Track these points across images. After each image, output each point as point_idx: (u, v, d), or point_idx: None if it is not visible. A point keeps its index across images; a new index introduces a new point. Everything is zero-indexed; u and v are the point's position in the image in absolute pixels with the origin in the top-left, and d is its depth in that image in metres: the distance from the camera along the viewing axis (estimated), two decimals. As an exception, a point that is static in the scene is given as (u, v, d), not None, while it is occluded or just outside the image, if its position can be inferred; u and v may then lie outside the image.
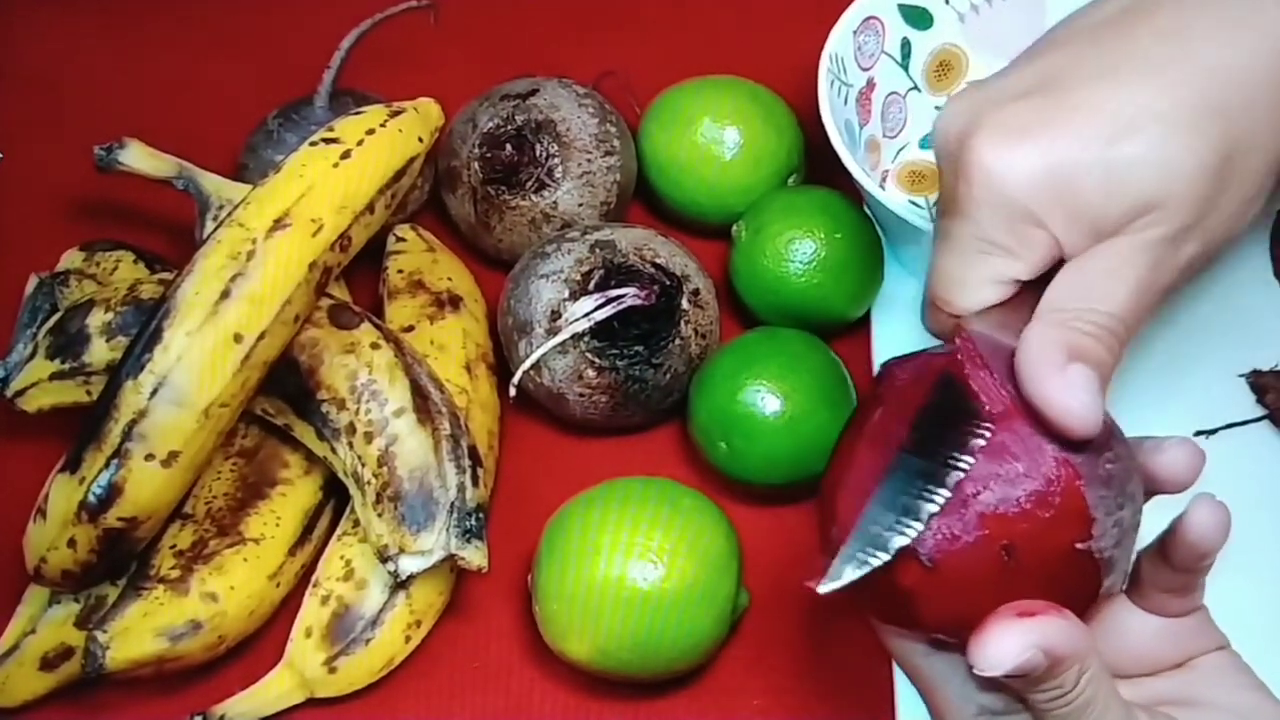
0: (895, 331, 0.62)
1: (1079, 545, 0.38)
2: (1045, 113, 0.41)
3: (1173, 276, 0.42)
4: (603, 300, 0.56)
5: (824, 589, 0.38)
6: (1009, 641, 0.37)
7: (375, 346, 0.55)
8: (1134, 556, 0.42)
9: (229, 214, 0.54)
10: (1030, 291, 0.43)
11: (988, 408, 0.38)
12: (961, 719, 0.43)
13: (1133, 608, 0.44)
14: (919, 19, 0.66)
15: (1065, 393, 0.38)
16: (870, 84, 0.65)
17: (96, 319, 0.55)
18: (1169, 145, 0.40)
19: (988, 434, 0.38)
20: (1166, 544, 0.42)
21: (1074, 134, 0.41)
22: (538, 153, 0.62)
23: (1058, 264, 0.42)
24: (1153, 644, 0.44)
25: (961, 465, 0.37)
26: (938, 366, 0.40)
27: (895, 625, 0.42)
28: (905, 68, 0.67)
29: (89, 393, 0.55)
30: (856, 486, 0.39)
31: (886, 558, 0.37)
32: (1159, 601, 0.43)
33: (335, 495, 0.57)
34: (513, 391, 0.58)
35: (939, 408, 0.39)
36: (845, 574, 0.38)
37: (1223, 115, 0.41)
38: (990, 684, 0.39)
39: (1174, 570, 0.42)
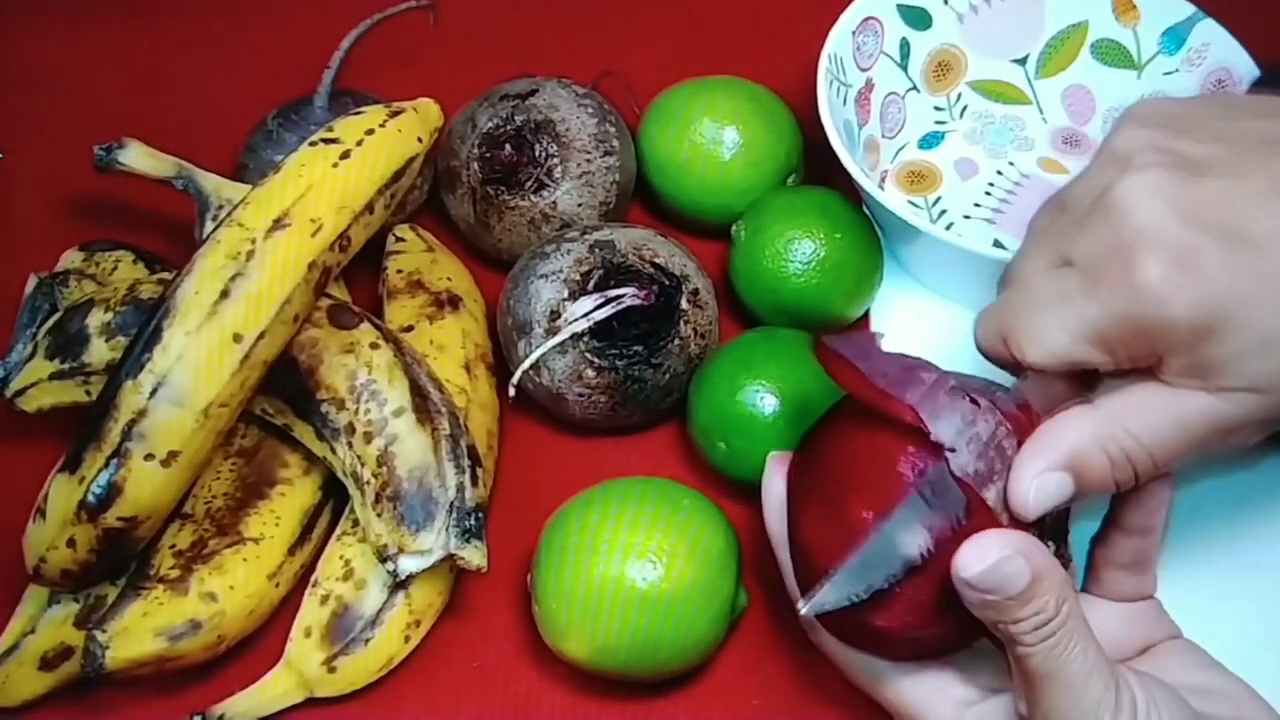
0: (894, 331, 0.62)
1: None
2: (1226, 239, 0.39)
3: (1223, 447, 0.42)
4: (602, 300, 0.56)
5: (806, 611, 0.41)
6: (988, 542, 0.39)
7: (374, 346, 0.55)
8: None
9: (228, 214, 0.54)
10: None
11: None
12: (935, 709, 0.45)
13: (1093, 600, 0.46)
14: (918, 19, 0.66)
15: (1030, 486, 0.41)
16: (869, 84, 0.65)
17: (96, 319, 0.55)
18: None
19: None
20: (1119, 509, 0.44)
21: (1250, 278, 0.39)
22: (537, 153, 0.62)
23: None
24: (1114, 631, 0.45)
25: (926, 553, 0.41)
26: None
27: (865, 651, 0.45)
28: (904, 68, 0.67)
29: (88, 393, 0.55)
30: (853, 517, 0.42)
31: (865, 597, 0.41)
32: (1114, 584, 0.46)
33: (335, 495, 0.57)
34: (512, 391, 0.58)
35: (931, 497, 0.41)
36: (829, 603, 0.41)
37: None
38: (981, 610, 0.41)
39: (1127, 534, 0.44)
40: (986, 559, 0.39)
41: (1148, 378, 0.41)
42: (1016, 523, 0.41)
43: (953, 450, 0.41)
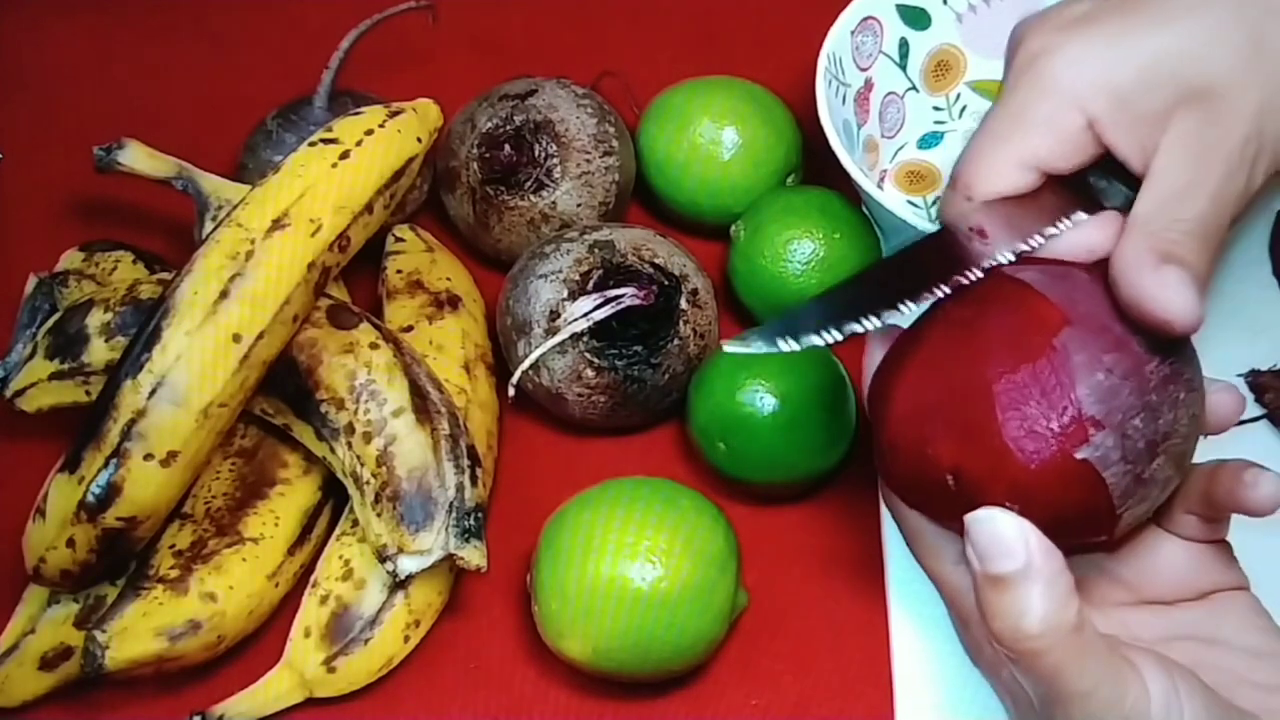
0: (894, 331, 0.62)
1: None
2: (1096, 9, 0.44)
3: (1245, 180, 0.43)
4: (601, 300, 0.56)
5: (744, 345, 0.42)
6: (999, 511, 0.39)
7: (374, 346, 0.55)
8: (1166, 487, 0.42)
9: (228, 214, 0.54)
10: (1051, 191, 0.44)
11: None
12: (982, 627, 0.44)
13: (1159, 532, 0.45)
14: (917, 19, 0.66)
15: (1163, 290, 0.40)
16: (868, 84, 0.65)
17: (95, 319, 0.55)
18: (1207, 36, 0.42)
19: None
20: (1213, 476, 0.43)
21: (1119, 25, 0.43)
22: (536, 153, 0.62)
23: (1086, 165, 0.44)
24: (1176, 570, 0.45)
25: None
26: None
27: (940, 517, 0.44)
28: (903, 68, 0.67)
29: (88, 393, 0.55)
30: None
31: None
32: (1185, 524, 0.45)
33: (334, 495, 0.57)
34: (511, 391, 0.58)
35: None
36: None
37: (1267, 13, 0.42)
38: (977, 587, 0.40)
39: (1208, 502, 0.44)
40: (990, 515, 0.38)
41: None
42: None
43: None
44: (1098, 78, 0.43)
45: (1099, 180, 0.45)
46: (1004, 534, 0.38)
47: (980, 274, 0.43)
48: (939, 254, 0.44)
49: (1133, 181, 0.43)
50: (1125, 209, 0.43)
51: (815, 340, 0.42)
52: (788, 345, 0.42)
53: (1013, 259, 0.43)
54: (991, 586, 0.38)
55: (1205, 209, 0.42)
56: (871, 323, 0.42)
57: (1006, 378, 0.40)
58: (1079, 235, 0.43)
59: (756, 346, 0.42)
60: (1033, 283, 0.42)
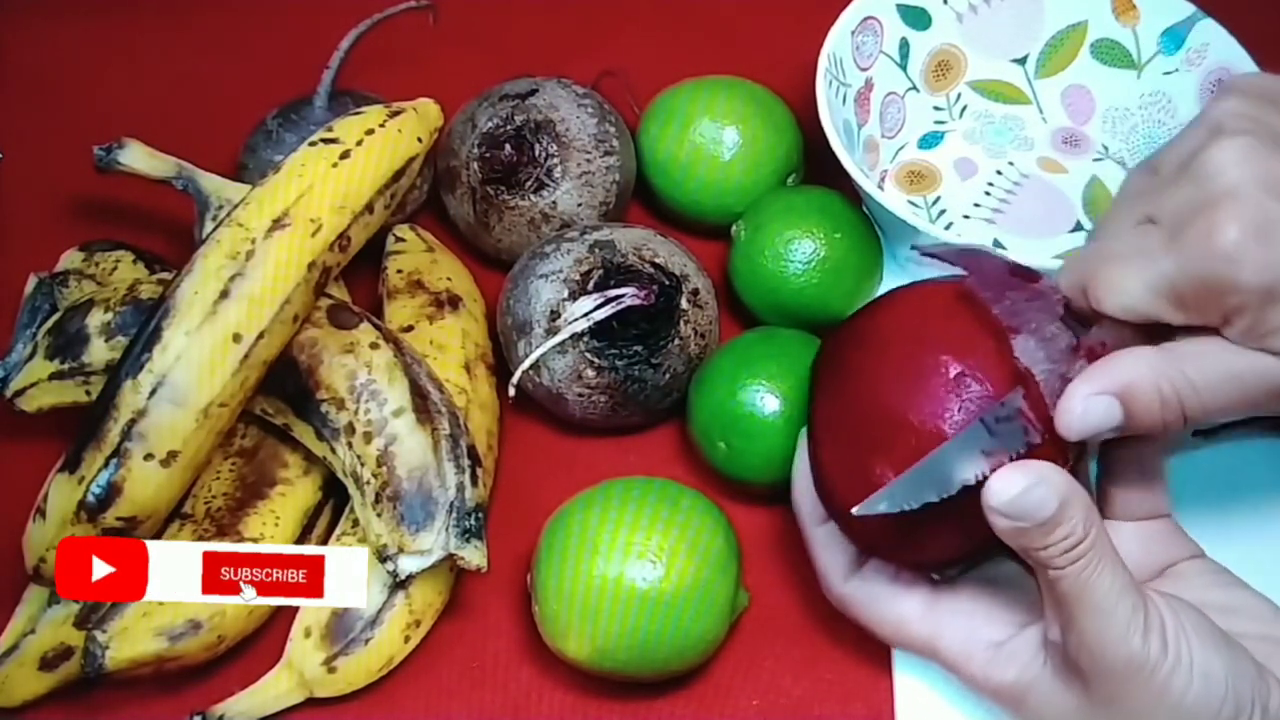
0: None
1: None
2: None
3: (1268, 409, 0.43)
4: (602, 300, 0.56)
5: (859, 511, 0.43)
6: (1015, 471, 0.41)
7: (374, 346, 0.55)
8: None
9: (228, 214, 0.54)
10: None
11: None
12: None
13: (1109, 523, 0.46)
14: (917, 19, 0.66)
15: (1079, 406, 0.42)
16: (869, 84, 0.65)
17: (96, 319, 0.55)
18: None
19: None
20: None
21: None
22: (537, 153, 0.62)
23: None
24: (1132, 553, 0.46)
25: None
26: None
27: (901, 562, 0.48)
28: (904, 68, 0.67)
29: (88, 393, 0.55)
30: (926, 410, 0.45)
31: (916, 509, 0.43)
32: (1125, 504, 0.47)
33: (334, 495, 0.57)
34: (512, 391, 0.58)
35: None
36: (880, 508, 0.43)
37: None
38: (1014, 538, 0.42)
39: (1126, 446, 0.46)
40: (1014, 487, 0.41)
41: (1213, 335, 0.42)
42: (1055, 445, 0.43)
43: (1028, 371, 0.43)
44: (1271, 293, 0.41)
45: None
46: (1030, 491, 0.41)
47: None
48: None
49: None
50: None
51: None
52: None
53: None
54: (1037, 531, 0.41)
55: (1215, 389, 0.43)
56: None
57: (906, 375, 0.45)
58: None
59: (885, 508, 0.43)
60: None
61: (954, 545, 0.47)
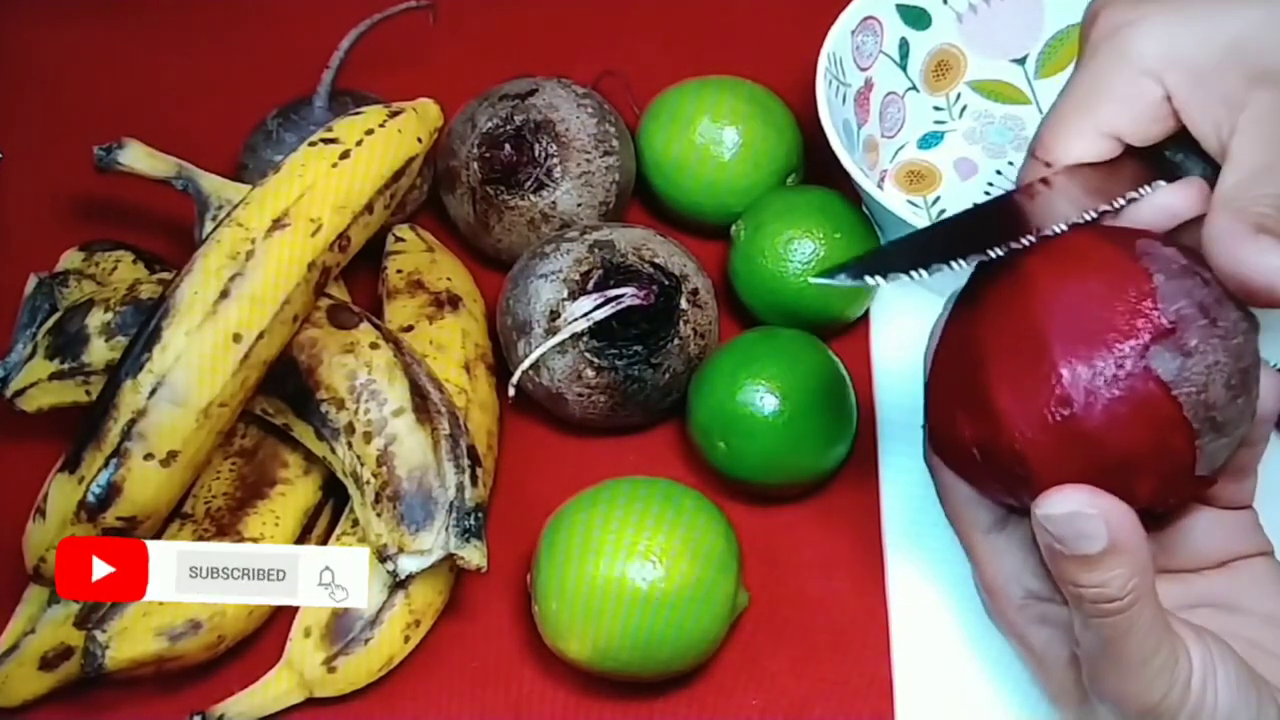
0: (894, 331, 0.62)
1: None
2: None
3: None
4: (601, 300, 0.56)
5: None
6: (1077, 493, 0.38)
7: (374, 346, 0.55)
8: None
9: (228, 214, 0.54)
10: (1129, 162, 0.44)
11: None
12: (1007, 596, 0.45)
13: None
14: (917, 19, 0.66)
15: (1262, 257, 0.39)
16: (868, 84, 0.65)
17: (96, 319, 0.55)
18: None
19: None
20: None
21: (1199, 5, 0.44)
22: (536, 153, 0.62)
23: (1162, 139, 0.44)
24: (1203, 538, 0.45)
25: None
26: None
27: (978, 485, 0.43)
28: (903, 68, 0.67)
29: (88, 392, 0.55)
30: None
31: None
32: (1211, 492, 0.44)
33: (334, 495, 0.57)
34: (512, 391, 0.58)
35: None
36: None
37: None
38: (1050, 558, 0.40)
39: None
40: (1067, 505, 0.38)
41: None
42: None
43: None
44: (1177, 54, 0.43)
45: (1175, 155, 0.46)
46: (1080, 518, 0.38)
47: (1064, 228, 0.42)
48: (1019, 211, 0.44)
49: (1208, 159, 0.44)
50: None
51: (903, 278, 0.41)
52: (874, 281, 0.41)
53: (1093, 218, 0.43)
54: (1074, 562, 0.39)
55: None
56: (960, 264, 0.41)
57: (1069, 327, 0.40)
58: (1161, 198, 0.44)
59: (841, 280, 0.41)
60: (1111, 239, 0.42)
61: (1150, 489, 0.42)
